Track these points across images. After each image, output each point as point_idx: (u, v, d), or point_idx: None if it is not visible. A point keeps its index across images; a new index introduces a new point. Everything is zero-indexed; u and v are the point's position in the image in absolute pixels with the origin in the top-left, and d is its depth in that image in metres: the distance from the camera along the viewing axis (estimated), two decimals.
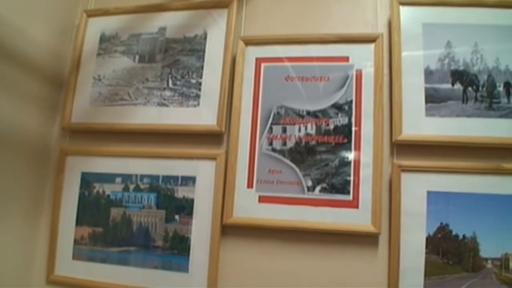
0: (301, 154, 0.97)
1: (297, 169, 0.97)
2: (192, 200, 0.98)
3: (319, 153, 0.96)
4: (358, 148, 0.94)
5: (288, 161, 0.97)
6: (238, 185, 0.98)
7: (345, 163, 0.93)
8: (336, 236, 0.93)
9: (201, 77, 1.03)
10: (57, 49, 1.12)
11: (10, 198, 0.98)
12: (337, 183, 0.93)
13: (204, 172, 0.99)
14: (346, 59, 0.98)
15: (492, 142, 0.89)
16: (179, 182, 1.00)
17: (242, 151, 0.99)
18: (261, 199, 0.97)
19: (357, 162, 0.93)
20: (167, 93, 1.03)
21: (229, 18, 1.03)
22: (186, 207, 0.98)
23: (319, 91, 0.98)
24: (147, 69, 1.04)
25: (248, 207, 0.96)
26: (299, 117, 0.98)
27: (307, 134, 0.97)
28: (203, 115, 1.00)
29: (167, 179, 1.01)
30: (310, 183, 0.95)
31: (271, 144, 0.98)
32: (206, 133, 1.00)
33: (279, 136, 0.99)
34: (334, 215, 0.92)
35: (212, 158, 1.00)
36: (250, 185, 0.98)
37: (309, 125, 0.98)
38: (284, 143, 0.99)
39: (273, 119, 0.99)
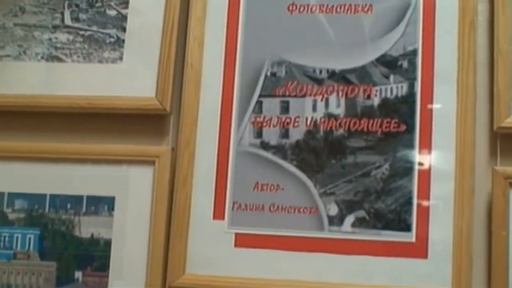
0: (317, 153, 0.74)
1: (309, 183, 0.73)
2: (107, 243, 0.77)
3: (352, 153, 0.72)
4: (427, 142, 0.74)
5: (292, 167, 0.74)
6: (196, 214, 0.75)
7: (403, 172, 0.72)
8: None
9: (126, 5, 0.82)
10: None
11: None
12: (386, 211, 0.71)
13: (132, 189, 0.79)
14: None
15: None
16: (84, 207, 0.81)
17: (205, 148, 0.77)
18: (239, 241, 0.75)
19: (425, 170, 0.72)
20: (62, 35, 0.87)
21: None
22: (96, 257, 0.78)
23: (354, 32, 0.78)
24: None
25: (215, 256, 0.74)
26: (315, 83, 0.76)
27: (330, 116, 0.74)
28: (130, 78, 0.82)
29: (61, 202, 0.83)
30: (335, 210, 0.73)
31: (259, 133, 0.74)
32: (137, 113, 0.79)
33: (275, 119, 0.75)
34: (382, 271, 0.72)
35: (147, 161, 0.77)
36: (218, 213, 0.76)
37: (332, 98, 0.75)
38: (285, 133, 0.76)
39: (263, 86, 0.76)
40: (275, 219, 0.74)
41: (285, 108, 0.76)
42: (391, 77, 0.75)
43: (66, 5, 0.85)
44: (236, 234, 0.75)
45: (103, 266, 0.77)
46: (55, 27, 0.85)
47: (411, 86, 0.74)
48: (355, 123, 0.75)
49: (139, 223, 0.77)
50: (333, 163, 0.74)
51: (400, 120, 0.74)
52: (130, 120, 0.82)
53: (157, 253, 0.75)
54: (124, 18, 0.82)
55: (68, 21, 0.84)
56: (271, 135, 0.76)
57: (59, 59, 0.83)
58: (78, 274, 0.78)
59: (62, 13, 0.85)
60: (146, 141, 0.81)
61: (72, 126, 0.84)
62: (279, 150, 0.75)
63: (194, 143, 0.77)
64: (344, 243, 0.73)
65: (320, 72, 0.76)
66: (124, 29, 0.82)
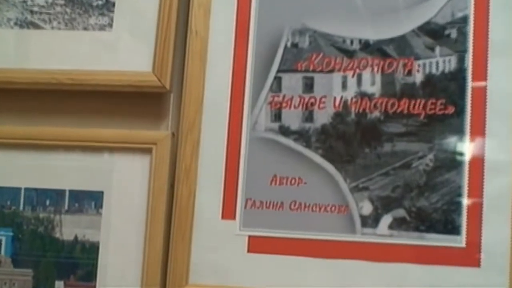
0: (347, 140, 0.66)
1: (338, 176, 0.66)
2: (94, 247, 0.70)
3: (389, 140, 0.65)
4: (480, 128, 0.68)
5: (317, 157, 0.67)
6: (201, 213, 0.68)
7: (451, 164, 0.66)
8: None
9: None
10: None
11: None
12: (431, 210, 0.65)
13: (124, 182, 0.71)
14: None
15: None
16: (66, 204, 0.74)
17: (212, 134, 0.70)
18: (253, 245, 0.67)
19: (477, 162, 0.67)
20: None
21: None
22: (81, 264, 0.71)
23: None
24: None
25: (223, 263, 0.67)
26: (344, 56, 0.69)
27: (363, 95, 0.67)
28: (121, 49, 0.74)
29: (38, 197, 0.75)
30: (368, 209, 0.67)
31: (277, 116, 0.67)
32: (129, 91, 0.72)
33: (296, 99, 0.67)
34: (424, 282, 0.65)
35: (143, 149, 0.68)
36: (228, 212, 0.69)
37: (366, 74, 0.68)
38: (309, 115, 0.68)
39: (282, 59, 0.68)
40: (296, 219, 0.68)
41: (308, 86, 0.68)
42: (437, 49, 0.68)
43: None
44: (250, 237, 0.68)
45: (89, 275, 0.72)
46: None
47: (461, 60, 0.67)
48: (393, 104, 0.67)
49: (133, 224, 0.72)
50: (366, 152, 0.66)
51: (448, 101, 0.67)
52: (121, 99, 0.77)
53: (155, 259, 0.70)
54: None
55: None
56: (292, 118, 0.69)
57: (36, 26, 0.77)
58: (59, 285, 0.73)
59: None
60: (141, 125, 0.76)
61: (51, 106, 0.79)
62: (301, 136, 0.68)
63: (199, 128, 0.70)
64: (379, 248, 0.67)
65: (351, 42, 0.68)
66: None
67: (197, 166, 0.70)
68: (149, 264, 0.69)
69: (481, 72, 0.68)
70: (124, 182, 0.72)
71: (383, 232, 0.67)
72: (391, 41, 0.68)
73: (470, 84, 0.68)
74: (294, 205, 0.68)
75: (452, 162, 0.68)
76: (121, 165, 0.72)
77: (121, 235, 0.71)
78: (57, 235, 0.73)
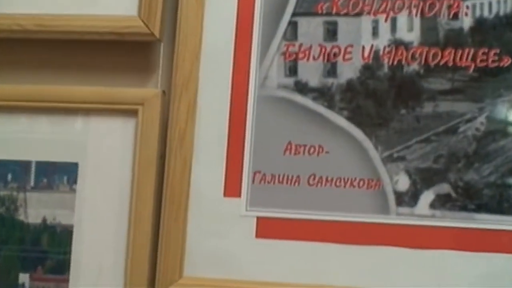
0: (379, 99, 0.59)
1: (367, 143, 0.59)
2: (67, 232, 0.61)
3: (430, 98, 0.58)
4: None
5: (341, 120, 0.59)
6: (199, 189, 0.61)
7: (506, 128, 0.59)
8: None
9: None
10: None
11: None
12: (482, 185, 0.58)
13: (104, 152, 0.62)
14: None
15: None
16: (32, 180, 0.65)
17: (211, 92, 0.62)
18: (263, 229, 0.60)
19: None
20: None
21: None
22: (51, 252, 0.62)
23: None
24: None
25: (226, 251, 0.60)
26: None
27: (398, 43, 0.60)
28: None
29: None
30: (405, 183, 0.59)
31: (292, 70, 0.59)
32: (110, 40, 0.65)
33: (316, 49, 0.59)
34: (474, 273, 0.57)
35: (127, 111, 0.60)
36: (232, 188, 0.61)
37: (402, 18, 0.60)
38: (332, 69, 0.59)
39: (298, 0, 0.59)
40: (316, 196, 0.60)
41: (331, 33, 0.59)
42: None
43: None
44: (258, 219, 0.60)
45: (61, 267, 0.64)
46: None
47: None
48: (435, 55, 0.58)
49: (114, 203, 0.63)
50: (402, 113, 0.58)
51: (503, 51, 0.58)
52: (100, 50, 0.68)
53: (141, 247, 0.62)
54: None
55: None
56: (311, 73, 0.60)
57: None
58: (24, 278, 0.64)
59: None
60: (124, 82, 0.68)
61: (13, 58, 0.69)
62: (322, 94, 0.59)
63: (195, 85, 0.61)
64: (418, 232, 0.59)
65: None
66: None
67: (194, 132, 0.61)
68: (134, 253, 0.60)
69: None
70: (104, 151, 0.64)
71: (423, 212, 0.59)
72: None
73: None
74: (313, 180, 0.59)
75: (507, 126, 0.61)
76: (99, 131, 0.64)
77: (99, 217, 0.63)
78: (21, 217, 0.64)
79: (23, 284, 0.62)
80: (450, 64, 0.60)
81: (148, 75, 0.68)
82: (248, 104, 0.60)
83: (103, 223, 0.61)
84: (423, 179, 0.60)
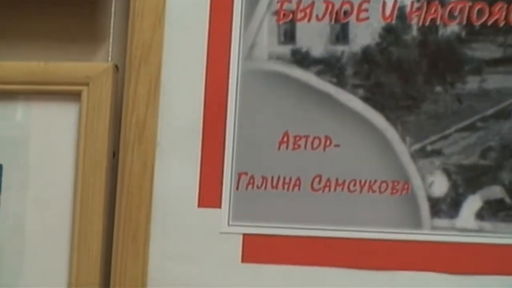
0: (406, 74, 0.47)
1: (392, 132, 0.47)
2: None
3: (475, 70, 0.47)
4: None
5: (356, 102, 0.48)
6: (165, 197, 0.48)
7: None
8: None
9: None
10: None
11: None
12: None
13: (37, 148, 0.51)
14: None
15: None
16: None
17: (180, 66, 0.47)
18: (250, 250, 0.50)
19: None
20: None
21: None
22: None
23: None
24: None
25: (202, 279, 0.49)
26: None
27: None
28: None
29: None
30: (443, 186, 0.49)
31: (288, 34, 0.48)
32: None
33: (320, 7, 0.46)
34: None
35: (67, 92, 0.49)
36: (209, 196, 0.48)
37: None
38: (342, 32, 0.46)
39: None
40: (322, 205, 0.48)
41: None
42: None
43: None
44: (245, 237, 0.47)
45: None
46: None
47: None
48: (481, 12, 0.46)
49: (51, 216, 0.48)
50: (438, 92, 0.46)
51: None
52: (32, 11, 0.55)
53: (89, 271, 0.48)
54: None
55: None
56: (313, 38, 0.47)
57: None
58: None
59: None
60: (64, 54, 0.55)
61: None
62: (329, 67, 0.46)
63: (159, 57, 0.47)
64: (462, 251, 0.47)
65: None
66: None
67: (157, 121, 0.47)
68: (78, 278, 0.47)
69: None
70: (35, 149, 0.49)
71: (467, 225, 0.48)
72: None
73: None
74: (319, 183, 0.47)
75: None
76: (28, 122, 0.50)
77: (29, 238, 0.49)
78: None
79: None
80: (501, 23, 0.48)
81: (96, 44, 0.56)
82: (230, 82, 0.47)
83: (36, 241, 0.47)
84: (467, 180, 0.48)
